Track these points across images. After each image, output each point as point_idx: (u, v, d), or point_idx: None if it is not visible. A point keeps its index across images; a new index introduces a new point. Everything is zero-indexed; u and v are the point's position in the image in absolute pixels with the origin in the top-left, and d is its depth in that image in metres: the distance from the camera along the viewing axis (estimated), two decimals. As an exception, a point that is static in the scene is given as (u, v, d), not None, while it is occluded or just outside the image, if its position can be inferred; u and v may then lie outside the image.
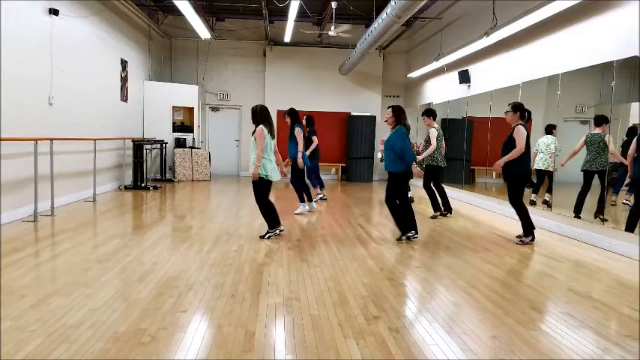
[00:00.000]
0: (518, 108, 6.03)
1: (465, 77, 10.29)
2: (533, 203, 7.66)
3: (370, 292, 3.95)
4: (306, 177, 8.32)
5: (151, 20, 12.34)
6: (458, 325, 3.31)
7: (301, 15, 11.33)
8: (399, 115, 5.87)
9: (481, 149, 9.65)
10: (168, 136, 12.79)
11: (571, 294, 4.08)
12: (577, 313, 3.61)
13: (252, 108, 5.98)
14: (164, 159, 12.57)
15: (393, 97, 15.24)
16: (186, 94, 13.02)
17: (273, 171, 5.82)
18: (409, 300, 3.84)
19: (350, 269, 4.65)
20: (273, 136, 5.94)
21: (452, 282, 4.34)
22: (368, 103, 14.69)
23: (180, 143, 12.85)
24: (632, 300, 4.00)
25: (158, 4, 12.45)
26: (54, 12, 7.40)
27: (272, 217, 5.91)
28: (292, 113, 8.11)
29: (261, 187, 5.82)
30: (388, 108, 6.01)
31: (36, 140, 6.56)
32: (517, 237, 6.17)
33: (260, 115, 5.87)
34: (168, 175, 12.75)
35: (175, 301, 3.59)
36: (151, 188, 10.61)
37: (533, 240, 6.04)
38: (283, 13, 11.27)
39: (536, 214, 7.46)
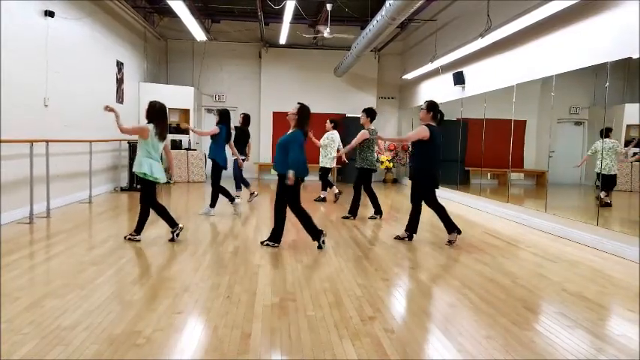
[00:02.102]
0: (431, 108, 5.87)
1: (459, 79, 10.34)
2: (608, 205, 7.06)
3: (365, 293, 3.96)
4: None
5: (147, 22, 12.33)
6: (453, 325, 3.32)
7: (296, 17, 11.34)
8: (303, 117, 5.42)
9: (476, 150, 9.70)
10: (164, 138, 12.75)
11: (565, 294, 4.11)
12: (571, 313, 3.63)
13: (151, 103, 5.64)
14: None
15: (388, 98, 15.29)
16: (181, 96, 13.01)
17: (159, 172, 5.59)
18: (404, 300, 3.85)
19: (345, 270, 4.66)
20: (163, 139, 5.63)
21: (446, 282, 4.36)
22: (363, 105, 14.48)
23: (175, 145, 12.83)
24: (626, 300, 4.02)
25: (153, 5, 12.44)
26: (49, 14, 7.38)
27: (168, 217, 5.69)
28: (222, 114, 7.77)
29: (148, 187, 5.62)
30: (298, 104, 5.53)
31: (31, 142, 6.54)
32: (448, 242, 5.93)
33: (156, 113, 5.57)
34: (163, 177, 12.70)
35: (171, 303, 3.59)
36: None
37: (459, 233, 5.93)
38: (278, 15, 11.29)
39: (530, 214, 7.50)
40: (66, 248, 5.20)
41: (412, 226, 6.08)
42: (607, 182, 7.02)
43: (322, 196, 9.77)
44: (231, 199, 7.80)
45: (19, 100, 6.72)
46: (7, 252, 4.95)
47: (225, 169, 7.72)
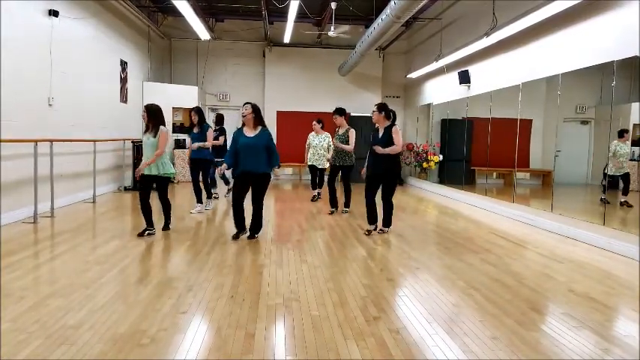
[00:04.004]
0: (382, 108, 6.20)
1: (464, 78, 10.30)
2: (604, 201, 6.81)
3: (370, 293, 3.94)
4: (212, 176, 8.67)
5: (151, 21, 12.34)
6: (458, 326, 3.30)
7: (301, 16, 11.32)
8: (259, 114, 5.81)
9: (481, 150, 9.65)
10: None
11: (571, 295, 4.07)
12: (577, 313, 3.60)
13: (149, 106, 5.93)
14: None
15: (393, 97, 15.25)
16: (185, 95, 13.01)
17: (172, 168, 6.05)
18: (409, 301, 3.83)
19: (349, 270, 4.64)
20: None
21: (452, 283, 4.33)
22: (367, 104, 14.62)
23: (179, 144, 12.84)
24: (632, 301, 3.99)
25: (157, 5, 12.45)
26: (54, 13, 7.40)
27: (150, 216, 5.96)
28: (200, 112, 8.07)
29: (166, 184, 6.07)
30: (245, 104, 5.84)
31: (36, 141, 6.56)
32: (379, 230, 6.42)
33: (159, 115, 5.91)
34: (167, 176, 12.73)
35: (175, 303, 3.59)
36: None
37: (388, 231, 6.43)
38: (283, 14, 11.27)
39: (536, 214, 7.46)
40: (70, 248, 5.21)
41: (389, 220, 6.44)
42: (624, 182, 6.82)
43: (317, 192, 9.84)
44: (200, 200, 7.93)
45: (23, 99, 6.74)
46: (12, 251, 4.96)
47: (214, 163, 8.14)
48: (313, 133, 9.37)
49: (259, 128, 5.73)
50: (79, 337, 2.92)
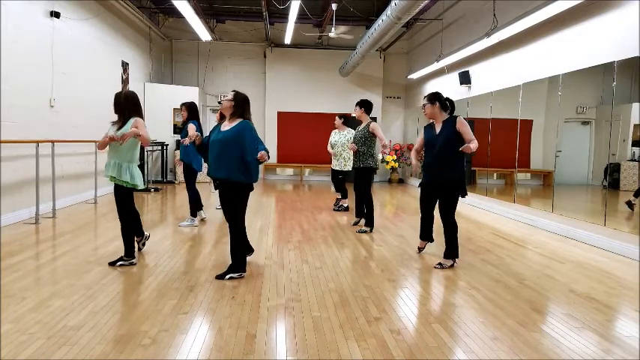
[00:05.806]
0: (435, 98, 4.84)
1: (465, 78, 10.30)
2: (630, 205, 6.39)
3: (371, 294, 3.95)
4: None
5: (152, 22, 12.36)
6: (459, 326, 3.30)
7: (301, 17, 11.34)
8: (243, 105, 4.29)
9: (482, 150, 9.65)
10: (169, 138, 12.81)
11: (572, 295, 4.07)
12: (578, 314, 3.60)
13: (116, 95, 4.72)
14: (165, 161, 12.58)
15: (394, 98, 15.27)
16: (186, 96, 12.97)
17: (140, 177, 4.78)
18: (410, 301, 3.83)
19: (351, 271, 4.65)
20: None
21: (453, 283, 4.33)
22: (369, 105, 14.67)
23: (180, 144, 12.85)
24: (633, 301, 3.99)
25: (159, 6, 12.48)
26: (55, 14, 7.41)
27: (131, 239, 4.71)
28: (191, 107, 6.82)
29: (129, 196, 4.79)
30: (232, 91, 4.38)
31: (37, 142, 6.57)
32: (437, 264, 4.90)
33: (132, 104, 4.69)
34: (169, 177, 12.77)
35: (176, 303, 3.59)
36: (152, 190, 10.62)
37: (453, 265, 4.89)
38: (283, 15, 11.30)
39: (537, 215, 7.46)
40: (71, 248, 5.22)
41: (455, 250, 4.94)
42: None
43: (345, 205, 8.62)
44: (194, 213, 6.82)
45: (25, 100, 6.75)
46: (13, 252, 4.97)
47: (200, 170, 6.87)
48: (335, 130, 8.60)
49: (238, 121, 4.26)
50: (80, 337, 2.93)
